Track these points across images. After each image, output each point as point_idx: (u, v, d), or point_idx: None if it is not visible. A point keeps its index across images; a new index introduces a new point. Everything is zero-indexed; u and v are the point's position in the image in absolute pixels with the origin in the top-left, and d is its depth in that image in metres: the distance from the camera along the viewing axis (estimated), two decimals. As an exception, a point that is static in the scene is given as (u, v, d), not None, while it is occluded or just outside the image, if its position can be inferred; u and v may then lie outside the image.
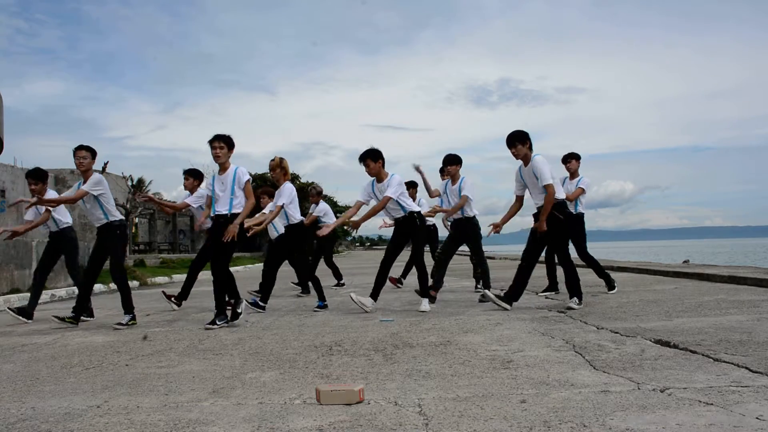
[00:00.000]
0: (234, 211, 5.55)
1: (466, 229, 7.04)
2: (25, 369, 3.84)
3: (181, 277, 16.57)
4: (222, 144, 5.53)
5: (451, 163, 7.21)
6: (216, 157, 5.56)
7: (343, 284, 10.25)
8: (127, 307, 5.86)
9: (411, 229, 6.27)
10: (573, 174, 7.28)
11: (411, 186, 8.90)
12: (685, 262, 17.70)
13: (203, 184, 7.00)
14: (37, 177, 6.55)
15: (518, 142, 5.81)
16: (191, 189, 7.28)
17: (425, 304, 6.12)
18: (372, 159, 6.17)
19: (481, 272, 7.39)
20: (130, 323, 5.78)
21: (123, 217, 6.16)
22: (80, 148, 5.86)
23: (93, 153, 5.91)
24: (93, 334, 5.38)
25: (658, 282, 8.64)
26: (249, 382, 3.17)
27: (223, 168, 5.64)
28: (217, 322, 5.46)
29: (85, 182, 5.86)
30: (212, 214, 5.70)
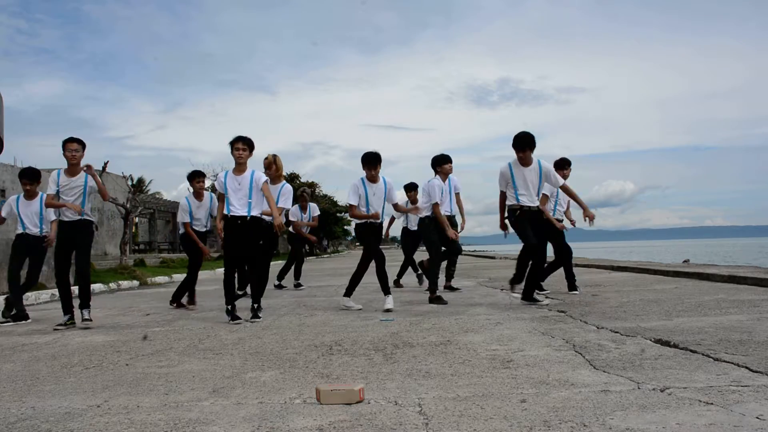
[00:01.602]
0: (253, 213, 5.75)
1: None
2: (25, 369, 3.84)
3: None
4: (245, 146, 5.76)
5: (448, 162, 7.34)
6: (239, 158, 5.74)
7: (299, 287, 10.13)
8: (86, 301, 5.85)
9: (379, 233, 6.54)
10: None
11: (412, 188, 8.94)
12: (685, 261, 17.70)
13: (208, 183, 6.91)
14: (32, 177, 6.55)
15: (528, 148, 5.97)
16: (200, 190, 7.34)
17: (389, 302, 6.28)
18: (380, 164, 6.36)
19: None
20: (68, 323, 5.80)
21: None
22: (72, 140, 5.78)
23: (84, 145, 5.85)
24: (93, 334, 5.38)
25: (658, 281, 8.65)
26: (249, 382, 3.17)
27: (240, 169, 5.77)
28: (260, 315, 5.83)
29: (72, 176, 5.81)
30: (227, 213, 5.71)
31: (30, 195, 6.58)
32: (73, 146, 5.77)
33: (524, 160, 6.01)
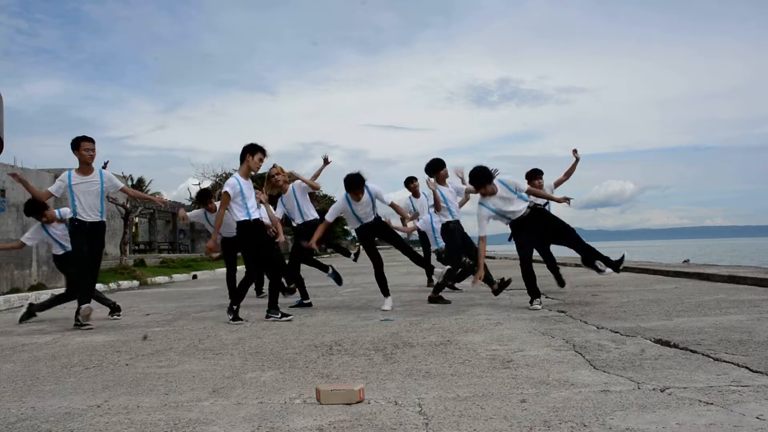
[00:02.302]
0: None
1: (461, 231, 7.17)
2: (25, 369, 3.84)
3: (181, 277, 16.55)
4: (263, 156, 5.82)
5: (443, 167, 7.15)
6: (258, 166, 5.84)
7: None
8: (86, 298, 5.85)
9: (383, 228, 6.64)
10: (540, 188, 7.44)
11: (412, 180, 8.86)
12: (685, 261, 17.69)
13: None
14: (39, 211, 6.40)
15: (488, 182, 5.86)
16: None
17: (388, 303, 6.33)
18: (365, 184, 6.24)
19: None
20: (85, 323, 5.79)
21: None
22: (87, 139, 5.85)
23: (94, 143, 5.94)
24: (93, 334, 5.38)
25: (658, 281, 8.64)
26: (249, 382, 3.17)
27: (248, 174, 5.87)
28: (272, 315, 5.80)
29: (86, 174, 5.85)
30: (247, 218, 5.66)
31: (48, 221, 6.51)
32: (89, 145, 5.85)
33: (488, 192, 5.91)
